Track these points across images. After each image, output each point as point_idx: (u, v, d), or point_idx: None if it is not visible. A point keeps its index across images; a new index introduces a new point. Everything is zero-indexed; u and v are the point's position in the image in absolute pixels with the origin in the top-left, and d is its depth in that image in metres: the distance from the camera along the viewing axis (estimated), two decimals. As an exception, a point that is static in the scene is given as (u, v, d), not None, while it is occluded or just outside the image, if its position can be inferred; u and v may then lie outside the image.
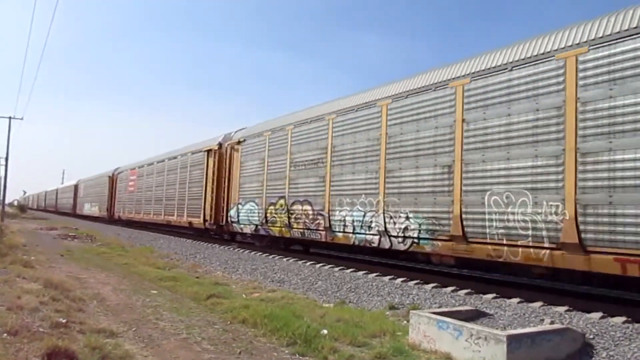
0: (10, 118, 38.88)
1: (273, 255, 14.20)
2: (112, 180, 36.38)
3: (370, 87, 12.07)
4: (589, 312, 6.72)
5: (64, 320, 5.95)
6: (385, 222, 10.45)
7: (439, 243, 9.21)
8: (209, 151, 19.57)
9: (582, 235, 6.98)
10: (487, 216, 8.29)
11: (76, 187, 52.19)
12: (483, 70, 8.75)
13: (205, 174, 19.64)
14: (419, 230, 9.62)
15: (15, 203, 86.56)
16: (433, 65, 10.66)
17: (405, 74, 11.36)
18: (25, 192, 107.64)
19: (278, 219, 14.36)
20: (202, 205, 19.68)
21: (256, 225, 15.68)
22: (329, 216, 12.01)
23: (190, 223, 21.25)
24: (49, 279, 8.67)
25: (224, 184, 18.01)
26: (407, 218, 9.91)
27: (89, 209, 44.39)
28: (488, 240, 8.27)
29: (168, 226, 25.11)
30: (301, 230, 13.22)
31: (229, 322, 6.93)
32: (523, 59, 8.11)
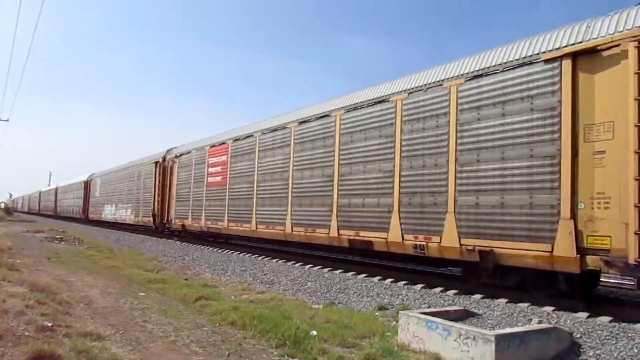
0: (-5, 120, 38.12)
1: (262, 257, 14.15)
2: (163, 169, 23.19)
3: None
4: (576, 311, 6.78)
5: (49, 324, 5.88)
6: None
7: None
8: (575, 55, 7.03)
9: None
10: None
11: (87, 183, 39.53)
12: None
13: (569, 114, 7.04)
14: None
15: (2, 206, 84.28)
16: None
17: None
18: (11, 195, 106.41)
19: None
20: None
21: None
22: None
23: (487, 253, 8.03)
24: (35, 282, 8.58)
25: None
26: None
27: (113, 213, 31.42)
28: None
29: (363, 254, 12.11)
30: None
31: (217, 324, 6.89)
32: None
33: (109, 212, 32.46)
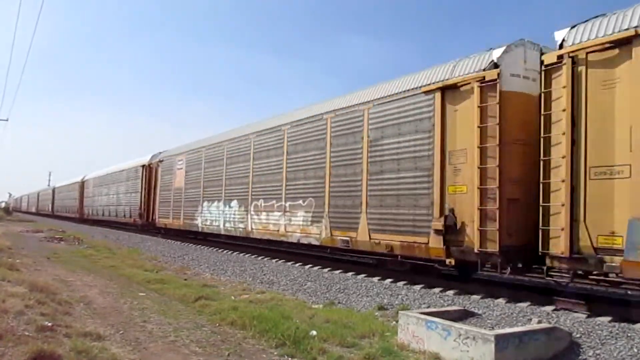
0: (-5, 119, 37.85)
1: (262, 257, 14.14)
2: (481, 106, 8.08)
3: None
4: (575, 311, 6.78)
5: (49, 324, 5.88)
6: None
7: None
8: None
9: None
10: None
11: (150, 169, 24.61)
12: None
13: None
14: None
15: (3, 205, 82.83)
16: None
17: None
18: (11, 194, 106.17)
19: None
20: None
21: None
22: None
23: None
24: (34, 282, 8.57)
25: None
26: None
27: (230, 217, 16.14)
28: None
29: None
30: None
31: (217, 324, 6.89)
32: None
33: (215, 217, 17.03)
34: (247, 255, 14.79)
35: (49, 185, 76.82)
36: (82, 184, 40.78)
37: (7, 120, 66.33)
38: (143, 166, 25.52)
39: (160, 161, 23.48)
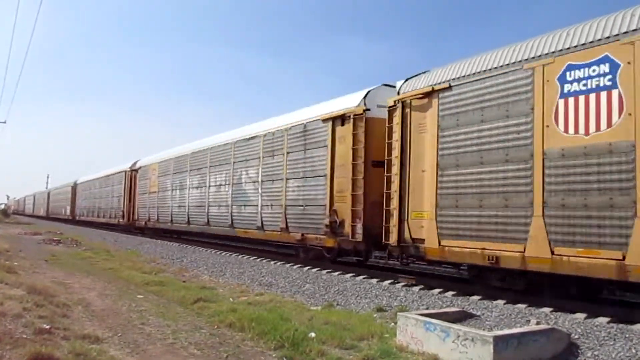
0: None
1: (261, 259, 14.14)
2: None
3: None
4: (573, 312, 6.79)
5: (47, 326, 5.87)
6: None
7: None
8: None
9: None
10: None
11: (366, 125, 10.54)
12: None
13: None
14: None
15: (4, 206, 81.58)
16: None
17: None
18: (9, 197, 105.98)
19: None
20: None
21: None
22: None
23: None
24: (32, 284, 8.55)
25: None
26: None
27: None
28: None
29: None
30: None
31: (216, 326, 6.89)
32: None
33: None
34: (245, 257, 14.78)
35: (46, 188, 76.18)
36: (134, 175, 27.65)
37: (5, 122, 65.89)
38: (338, 118, 11.48)
39: (445, 88, 8.73)
